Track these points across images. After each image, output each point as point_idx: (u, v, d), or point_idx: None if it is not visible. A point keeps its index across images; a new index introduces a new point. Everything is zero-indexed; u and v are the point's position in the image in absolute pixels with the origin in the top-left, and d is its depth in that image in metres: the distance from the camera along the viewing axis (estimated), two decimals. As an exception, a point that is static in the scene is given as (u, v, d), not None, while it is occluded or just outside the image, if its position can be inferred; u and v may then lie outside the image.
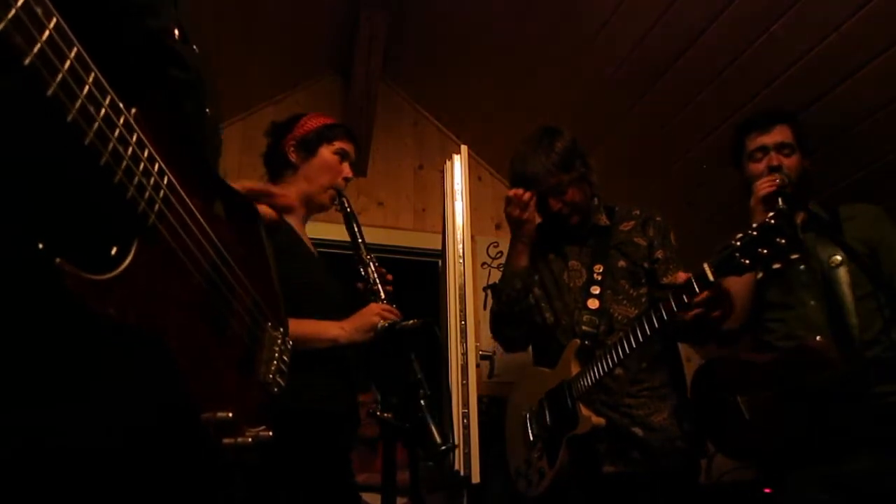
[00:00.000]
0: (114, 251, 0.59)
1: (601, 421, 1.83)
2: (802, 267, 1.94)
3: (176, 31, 0.76)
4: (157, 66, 0.73)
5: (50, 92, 0.50)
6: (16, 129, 0.52)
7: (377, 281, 1.78)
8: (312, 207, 1.92)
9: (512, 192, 2.05)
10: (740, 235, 1.58)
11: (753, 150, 2.04)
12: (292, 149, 1.90)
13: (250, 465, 0.82)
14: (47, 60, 0.49)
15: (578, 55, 2.84)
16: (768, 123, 2.04)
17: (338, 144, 1.92)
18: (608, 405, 1.91)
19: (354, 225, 1.85)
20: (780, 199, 1.86)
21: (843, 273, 1.87)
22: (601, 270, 2.03)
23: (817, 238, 1.95)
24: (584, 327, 1.97)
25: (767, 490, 2.04)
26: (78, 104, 0.52)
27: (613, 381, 1.91)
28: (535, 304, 2.13)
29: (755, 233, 1.55)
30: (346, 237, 1.87)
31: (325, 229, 2.67)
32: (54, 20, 0.50)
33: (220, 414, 0.72)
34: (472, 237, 3.13)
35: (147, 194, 0.63)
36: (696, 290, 1.63)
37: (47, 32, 0.49)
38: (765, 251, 1.53)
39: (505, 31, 2.94)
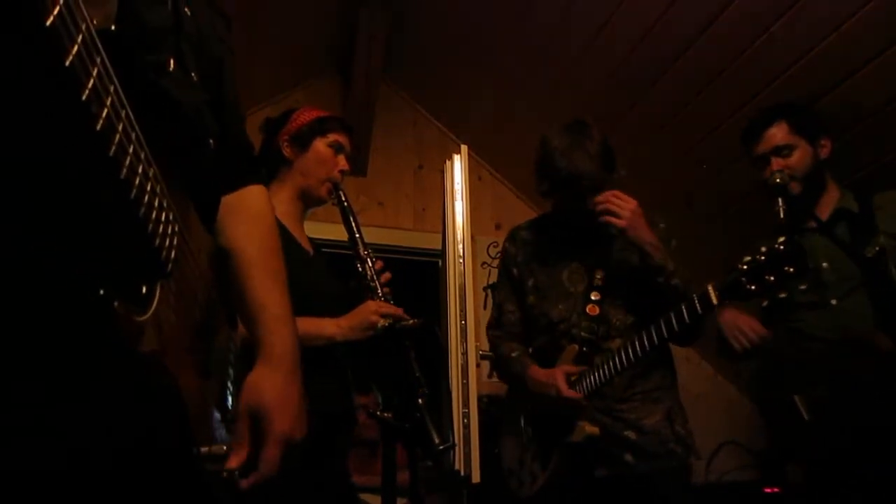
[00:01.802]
0: (144, 291, 0.62)
1: (595, 430, 1.81)
2: (826, 265, 1.89)
3: (172, 62, 0.72)
4: (152, 112, 0.69)
5: (99, 127, 0.51)
6: (78, 172, 0.54)
7: (375, 277, 1.77)
8: (310, 202, 1.90)
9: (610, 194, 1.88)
10: (748, 259, 1.52)
11: (756, 160, 2.04)
12: (286, 144, 1.88)
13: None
14: (97, 94, 0.50)
15: (578, 55, 2.84)
16: (760, 130, 2.02)
17: (332, 137, 1.89)
18: (601, 410, 1.89)
19: (351, 219, 1.83)
20: (780, 200, 1.83)
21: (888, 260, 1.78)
22: (602, 276, 1.99)
23: (846, 231, 1.91)
24: (582, 333, 1.94)
25: (767, 490, 2.04)
26: (117, 138, 0.53)
27: (608, 387, 1.90)
28: (531, 307, 2.10)
29: (762, 257, 1.50)
30: (343, 237, 1.86)
31: (326, 229, 2.67)
32: (100, 58, 0.50)
33: (215, 448, 0.77)
34: (472, 237, 3.12)
35: (169, 230, 0.64)
36: (699, 310, 1.61)
37: (97, 69, 0.50)
38: (771, 278, 1.48)
39: (505, 30, 2.94)
